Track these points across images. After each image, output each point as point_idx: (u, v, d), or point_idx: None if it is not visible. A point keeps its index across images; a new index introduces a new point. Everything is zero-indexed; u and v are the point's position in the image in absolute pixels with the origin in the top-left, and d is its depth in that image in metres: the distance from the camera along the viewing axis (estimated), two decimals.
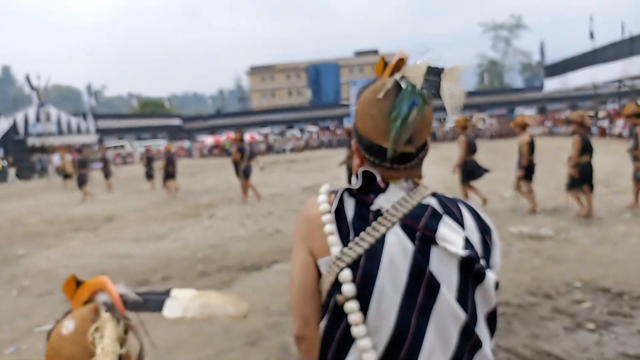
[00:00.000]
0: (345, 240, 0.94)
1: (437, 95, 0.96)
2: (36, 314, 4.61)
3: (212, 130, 49.21)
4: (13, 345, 3.92)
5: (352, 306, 0.91)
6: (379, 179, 0.98)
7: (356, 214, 0.96)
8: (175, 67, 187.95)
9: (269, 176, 16.77)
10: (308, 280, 0.98)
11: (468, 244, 0.96)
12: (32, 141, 28.81)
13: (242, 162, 10.63)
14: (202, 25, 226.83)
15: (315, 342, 0.98)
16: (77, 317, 0.79)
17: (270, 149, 36.34)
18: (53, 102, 40.10)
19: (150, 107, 61.27)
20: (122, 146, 35.37)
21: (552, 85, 31.52)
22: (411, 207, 0.96)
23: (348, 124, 37.60)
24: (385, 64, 1.02)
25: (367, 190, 0.98)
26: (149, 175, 15.33)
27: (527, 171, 7.01)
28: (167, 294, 0.86)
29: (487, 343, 0.96)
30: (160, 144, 40.14)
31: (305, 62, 66.21)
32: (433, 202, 0.99)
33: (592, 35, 27.62)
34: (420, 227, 0.94)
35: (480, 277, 0.94)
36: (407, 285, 0.91)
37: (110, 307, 0.80)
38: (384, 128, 0.94)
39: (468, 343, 0.93)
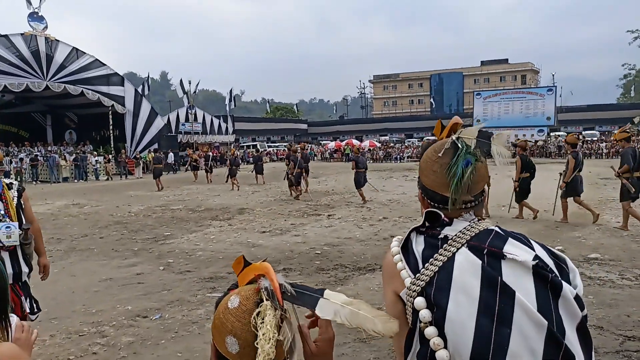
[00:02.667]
0: (414, 271, 1.04)
1: (488, 154, 1.12)
2: (177, 288, 5.26)
3: (335, 135, 50.60)
4: (158, 312, 4.53)
5: (430, 331, 0.98)
6: (443, 215, 1.09)
7: (426, 245, 1.07)
8: (304, 75, 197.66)
9: (386, 182, 16.77)
10: (397, 314, 1.06)
11: (539, 260, 0.99)
12: (180, 138, 32.81)
13: (292, 169, 13.32)
14: (332, 35, 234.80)
15: None
16: (241, 295, 0.88)
17: (388, 157, 36.20)
18: (200, 104, 44.83)
19: (281, 112, 65.24)
20: (255, 146, 38.29)
21: None
22: (477, 232, 1.05)
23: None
24: (443, 127, 1.19)
25: (434, 227, 1.09)
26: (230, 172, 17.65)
27: (520, 186, 8.73)
28: (321, 293, 0.90)
29: (580, 357, 0.95)
30: (285, 146, 42.71)
31: (429, 72, 64.64)
32: (497, 229, 1.07)
33: None
34: (487, 245, 1.02)
35: (557, 287, 0.97)
36: (481, 295, 0.96)
37: (270, 294, 0.86)
38: (444, 181, 1.09)
39: (557, 354, 0.93)
